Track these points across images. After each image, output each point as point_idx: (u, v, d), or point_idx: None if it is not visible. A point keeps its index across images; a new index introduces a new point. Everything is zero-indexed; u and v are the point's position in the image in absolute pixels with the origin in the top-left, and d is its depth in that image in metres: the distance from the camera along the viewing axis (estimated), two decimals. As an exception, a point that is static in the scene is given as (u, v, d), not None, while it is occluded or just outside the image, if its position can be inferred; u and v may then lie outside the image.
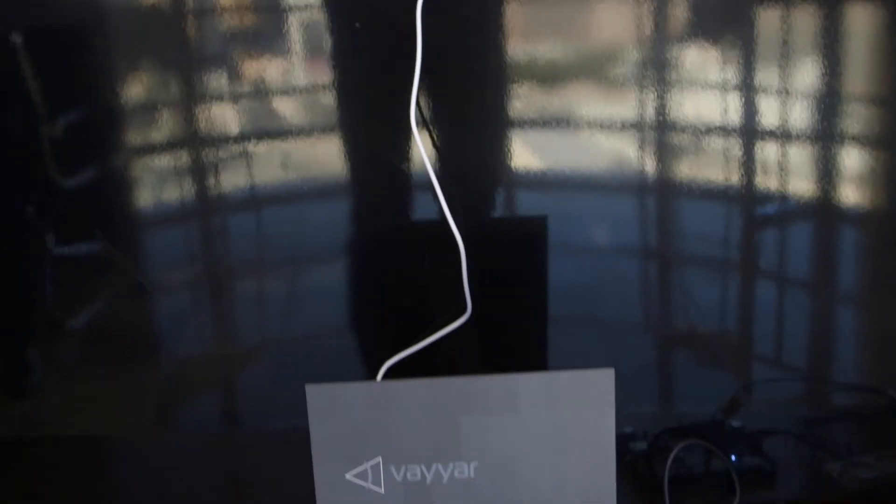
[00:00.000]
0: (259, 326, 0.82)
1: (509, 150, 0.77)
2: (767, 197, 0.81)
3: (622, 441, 0.81)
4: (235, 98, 0.75)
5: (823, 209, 0.81)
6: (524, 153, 0.77)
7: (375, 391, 0.56)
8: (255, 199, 0.77)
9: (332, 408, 0.56)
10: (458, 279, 0.72)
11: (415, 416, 0.56)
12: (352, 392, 0.56)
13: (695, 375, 0.86)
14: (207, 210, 0.79)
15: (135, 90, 0.76)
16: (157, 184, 0.78)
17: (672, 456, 0.78)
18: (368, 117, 0.76)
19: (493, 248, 0.78)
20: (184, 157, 0.78)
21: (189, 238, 0.81)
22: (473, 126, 0.77)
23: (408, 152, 0.74)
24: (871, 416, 0.86)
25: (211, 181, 0.77)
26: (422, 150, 0.71)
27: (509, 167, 0.77)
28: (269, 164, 0.76)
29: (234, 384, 0.84)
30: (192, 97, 0.76)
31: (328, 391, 0.56)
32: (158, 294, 0.82)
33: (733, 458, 0.82)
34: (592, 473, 0.57)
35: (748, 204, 0.81)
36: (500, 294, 0.78)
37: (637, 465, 0.81)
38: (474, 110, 0.77)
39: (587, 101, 0.76)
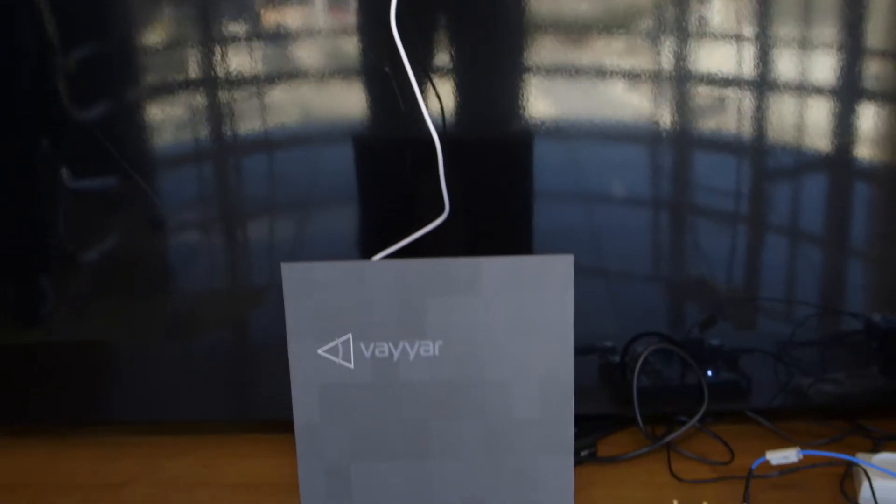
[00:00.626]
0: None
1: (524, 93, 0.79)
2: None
3: (602, 353, 0.85)
4: (249, 36, 0.78)
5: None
6: (540, 99, 0.79)
7: (347, 271, 0.59)
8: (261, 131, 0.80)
9: (306, 286, 0.59)
10: (455, 185, 0.75)
11: (384, 296, 0.59)
12: (325, 271, 0.60)
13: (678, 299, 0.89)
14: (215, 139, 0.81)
15: (150, 26, 0.79)
16: (170, 121, 0.81)
17: (642, 358, 0.81)
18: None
19: (477, 154, 0.80)
20: (196, 94, 0.80)
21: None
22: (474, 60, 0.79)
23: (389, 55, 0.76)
24: (846, 338, 0.89)
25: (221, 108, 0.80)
26: (402, 52, 0.73)
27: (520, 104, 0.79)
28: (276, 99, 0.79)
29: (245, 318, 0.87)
30: (204, 35, 0.78)
31: (303, 270, 0.60)
32: (171, 230, 0.85)
33: (709, 373, 0.85)
34: (551, 354, 0.60)
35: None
36: (484, 198, 0.81)
37: (611, 373, 0.84)
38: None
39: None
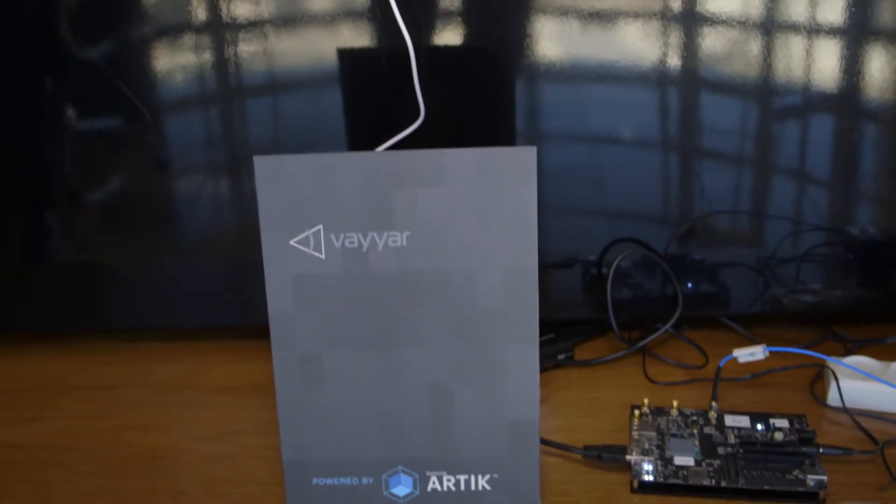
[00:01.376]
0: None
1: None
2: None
3: (584, 266, 0.87)
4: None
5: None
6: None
7: (318, 163, 0.61)
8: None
9: (278, 179, 0.61)
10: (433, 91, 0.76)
11: (353, 188, 0.61)
12: (296, 163, 0.61)
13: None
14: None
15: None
16: (175, 62, 0.82)
17: (616, 262, 0.82)
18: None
19: (456, 62, 0.81)
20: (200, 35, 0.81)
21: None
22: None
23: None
24: (824, 251, 0.90)
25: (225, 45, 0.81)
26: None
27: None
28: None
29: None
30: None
31: (275, 162, 0.61)
32: (175, 171, 0.86)
33: (689, 285, 0.87)
34: (516, 245, 0.61)
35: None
36: (463, 105, 0.82)
37: (591, 280, 0.86)
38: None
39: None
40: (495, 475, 0.66)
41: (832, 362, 0.80)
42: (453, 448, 0.65)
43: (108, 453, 0.76)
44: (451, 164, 0.61)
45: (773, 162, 0.88)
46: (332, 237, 0.62)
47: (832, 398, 0.79)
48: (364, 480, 0.66)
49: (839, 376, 0.78)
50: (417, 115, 0.78)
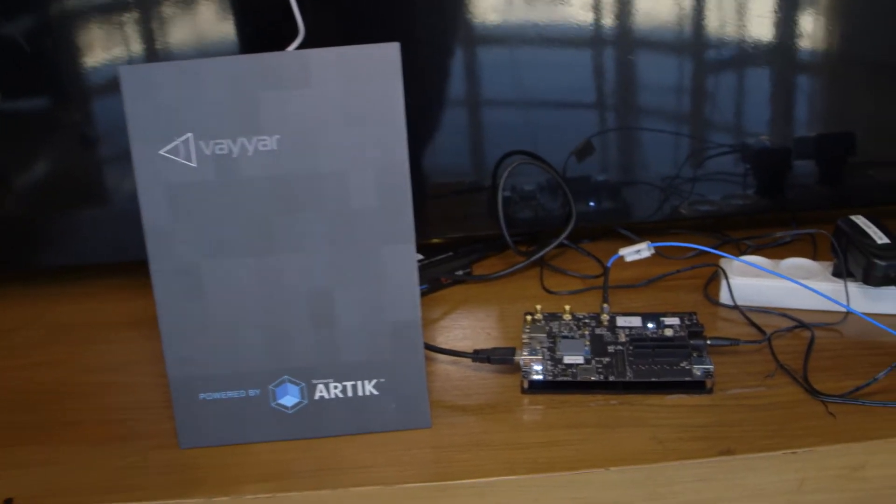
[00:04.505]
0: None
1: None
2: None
3: (479, 182, 0.86)
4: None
5: None
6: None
7: (183, 69, 0.60)
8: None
9: (145, 88, 0.60)
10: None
11: (219, 94, 0.60)
12: (162, 72, 0.60)
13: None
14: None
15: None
16: (102, 39, 0.80)
17: (506, 173, 0.83)
18: None
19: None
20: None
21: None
22: None
23: None
24: (721, 160, 0.91)
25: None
26: None
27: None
28: None
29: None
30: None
31: (141, 71, 0.60)
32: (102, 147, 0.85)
33: (591, 203, 0.87)
34: (385, 142, 0.61)
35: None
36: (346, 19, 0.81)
37: (485, 196, 0.86)
38: None
39: None
40: (382, 379, 0.66)
41: (724, 261, 0.80)
42: (338, 354, 0.65)
43: (3, 390, 0.74)
44: (315, 64, 0.60)
45: (670, 79, 0.88)
46: (202, 144, 0.61)
47: (724, 296, 0.80)
48: (251, 392, 0.66)
49: (730, 274, 0.79)
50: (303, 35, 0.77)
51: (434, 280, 0.84)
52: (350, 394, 0.66)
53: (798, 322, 0.76)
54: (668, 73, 0.87)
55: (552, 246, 0.85)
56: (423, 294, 0.82)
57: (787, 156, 0.90)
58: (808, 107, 0.90)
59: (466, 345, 0.75)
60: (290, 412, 0.66)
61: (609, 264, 0.77)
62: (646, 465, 0.62)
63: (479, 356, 0.71)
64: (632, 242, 0.79)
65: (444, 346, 0.74)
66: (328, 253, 0.62)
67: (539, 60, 0.84)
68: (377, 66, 0.60)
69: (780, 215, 0.95)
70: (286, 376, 0.65)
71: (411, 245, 0.63)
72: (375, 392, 0.66)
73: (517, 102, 0.86)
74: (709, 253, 0.85)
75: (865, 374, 0.70)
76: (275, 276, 0.63)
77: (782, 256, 0.82)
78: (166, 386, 0.64)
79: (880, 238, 0.74)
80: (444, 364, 0.73)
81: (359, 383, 0.66)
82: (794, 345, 0.74)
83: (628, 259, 0.77)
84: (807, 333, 0.75)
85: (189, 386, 0.65)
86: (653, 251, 0.76)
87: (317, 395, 0.66)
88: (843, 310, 0.76)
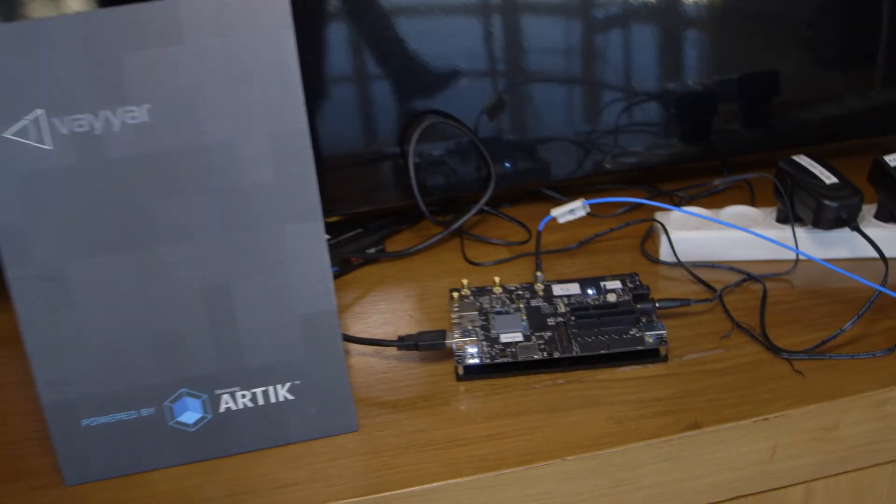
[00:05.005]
0: None
1: None
2: None
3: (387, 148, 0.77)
4: None
5: None
6: None
7: (25, 32, 0.49)
8: None
9: (-24, 58, 0.49)
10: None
11: (73, 59, 0.50)
12: (-3, 36, 0.49)
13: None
14: None
15: None
16: None
17: (417, 133, 0.74)
18: None
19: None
20: None
21: None
22: None
23: None
24: (642, 110, 0.84)
25: None
26: None
27: None
28: None
29: None
30: None
31: (-32, 38, 0.49)
32: None
33: (507, 164, 0.79)
34: (278, 105, 0.52)
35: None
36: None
37: (394, 162, 0.77)
38: None
39: None
40: (297, 382, 0.56)
41: (660, 215, 0.73)
42: (242, 358, 0.55)
43: None
44: (187, 15, 0.50)
45: (579, 27, 0.80)
46: (57, 122, 0.51)
47: (664, 253, 0.73)
48: (143, 412, 0.55)
49: (669, 229, 0.72)
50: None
51: (344, 261, 0.74)
52: (261, 402, 0.56)
53: (747, 274, 0.70)
54: (575, 19, 0.79)
55: (472, 212, 0.77)
56: (333, 277, 0.72)
57: (711, 100, 0.84)
58: (726, 47, 0.83)
59: (388, 331, 0.67)
60: (192, 430, 0.56)
61: (541, 227, 0.69)
62: (605, 451, 0.55)
63: (404, 343, 0.62)
64: (556, 203, 0.71)
65: (363, 335, 0.65)
66: (221, 240, 0.53)
67: (440, 18, 0.75)
68: (263, 14, 0.50)
69: (709, 163, 0.89)
70: (184, 389, 0.55)
71: (318, 223, 0.53)
72: (291, 397, 0.56)
73: (419, 62, 0.77)
74: (642, 207, 0.78)
75: (825, 324, 0.64)
76: (159, 274, 0.53)
77: (720, 206, 0.76)
78: (41, 413, 0.53)
79: (828, 178, 0.68)
80: (365, 356, 0.64)
81: (270, 389, 0.56)
82: (746, 299, 0.68)
83: (561, 221, 0.69)
84: (757, 286, 0.69)
85: (68, 412, 0.54)
86: (588, 209, 0.68)
87: (222, 408, 0.56)
88: (792, 258, 0.70)
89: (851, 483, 0.63)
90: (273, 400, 0.57)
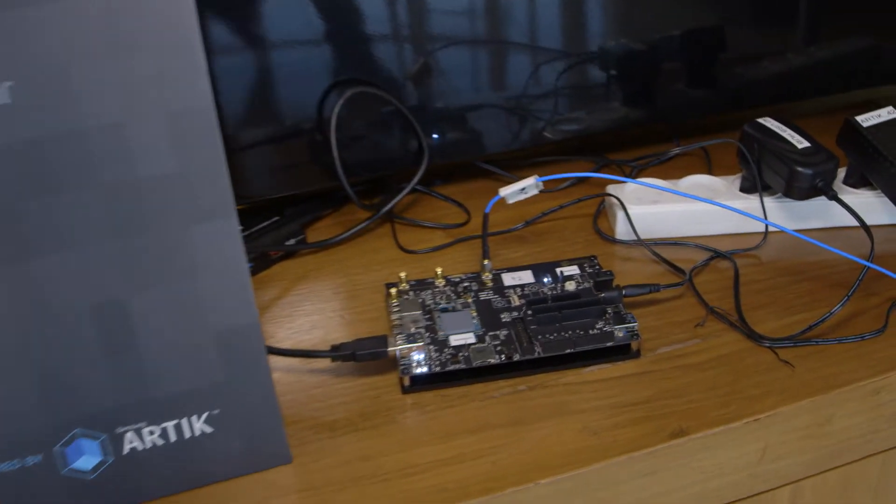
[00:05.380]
0: None
1: None
2: None
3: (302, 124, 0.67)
4: None
5: None
6: None
7: None
8: None
9: None
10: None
11: None
12: None
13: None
14: None
15: None
16: None
17: (338, 104, 0.64)
18: None
19: None
20: None
21: None
22: None
23: None
24: (581, 73, 0.75)
25: None
26: None
27: None
28: None
29: None
30: None
31: None
32: None
33: (435, 136, 0.70)
34: (177, 76, 0.42)
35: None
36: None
37: (312, 139, 0.67)
38: None
39: None
40: (215, 411, 0.47)
41: (614, 187, 0.66)
42: (147, 387, 0.45)
43: None
44: (53, -34, 0.39)
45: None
46: None
47: (621, 231, 0.65)
48: (29, 461, 0.45)
49: (626, 203, 0.64)
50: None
51: (260, 255, 0.65)
52: (173, 438, 0.46)
53: (714, 251, 0.63)
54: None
55: (405, 192, 0.68)
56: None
57: (653, 59, 0.76)
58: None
59: (317, 337, 0.57)
60: (90, 478, 0.46)
61: (487, 210, 0.60)
62: (583, 469, 0.47)
63: (339, 354, 0.53)
64: (494, 178, 0.63)
65: (287, 343, 0.56)
66: (111, 246, 0.42)
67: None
68: (151, -38, 0.40)
69: (657, 130, 0.81)
70: (78, 430, 0.45)
71: (232, 220, 0.44)
72: (209, 429, 0.47)
73: (334, 24, 0.67)
74: (588, 180, 0.70)
75: (803, 305, 0.58)
76: (36, 291, 0.42)
77: (677, 177, 0.68)
78: None
79: (800, 142, 0.61)
80: (292, 371, 0.55)
81: (184, 421, 0.47)
82: (716, 280, 0.61)
83: (511, 201, 0.61)
84: (726, 265, 0.62)
85: (-70, 465, 0.44)
86: (542, 186, 0.59)
87: (126, 449, 0.46)
88: (760, 231, 0.63)
89: (840, 477, 0.57)
90: (188, 435, 0.47)
